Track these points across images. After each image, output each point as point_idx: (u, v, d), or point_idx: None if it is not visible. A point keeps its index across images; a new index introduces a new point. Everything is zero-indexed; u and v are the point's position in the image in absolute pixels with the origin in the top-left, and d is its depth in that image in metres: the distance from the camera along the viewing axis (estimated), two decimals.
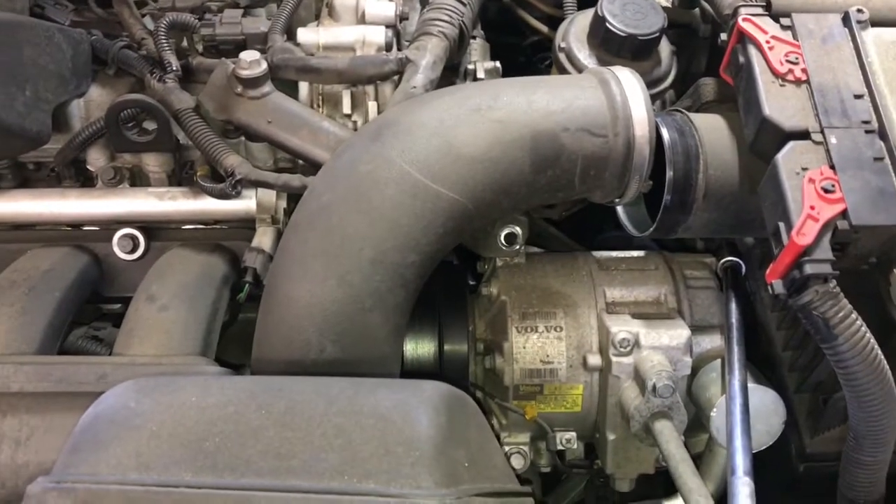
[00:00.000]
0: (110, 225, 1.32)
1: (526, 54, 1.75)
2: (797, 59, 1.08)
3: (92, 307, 1.41)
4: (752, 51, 1.10)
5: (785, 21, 1.12)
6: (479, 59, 1.44)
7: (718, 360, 1.21)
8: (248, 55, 1.25)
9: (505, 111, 1.09)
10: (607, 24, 1.26)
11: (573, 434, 1.27)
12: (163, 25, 1.34)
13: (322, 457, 0.76)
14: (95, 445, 0.78)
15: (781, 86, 1.06)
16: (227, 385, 0.88)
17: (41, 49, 1.25)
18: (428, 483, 0.75)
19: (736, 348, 1.13)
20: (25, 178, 1.37)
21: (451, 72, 1.39)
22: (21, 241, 1.33)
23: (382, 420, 0.80)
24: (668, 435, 1.10)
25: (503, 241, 1.27)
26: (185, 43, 1.41)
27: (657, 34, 1.27)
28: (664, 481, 1.34)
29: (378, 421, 0.80)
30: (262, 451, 0.77)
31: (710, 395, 1.18)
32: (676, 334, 1.19)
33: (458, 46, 1.36)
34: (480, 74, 1.38)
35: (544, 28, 1.61)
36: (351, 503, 0.72)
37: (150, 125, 1.31)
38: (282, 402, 0.82)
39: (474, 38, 1.46)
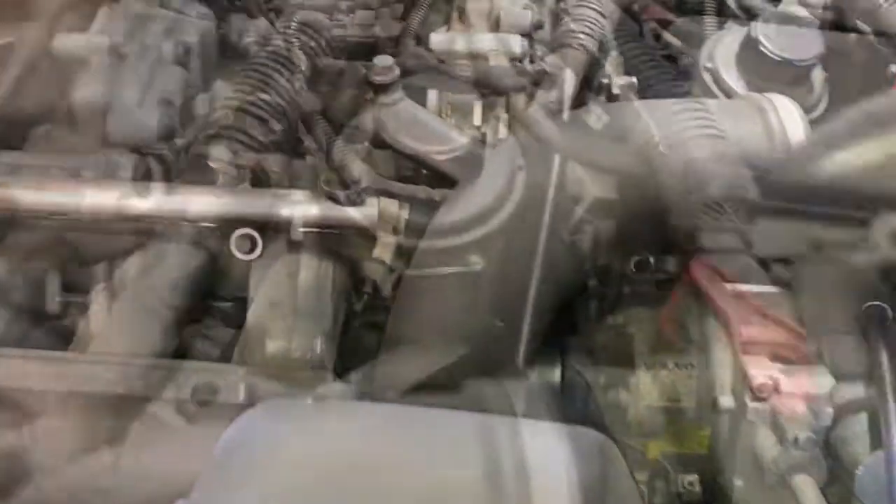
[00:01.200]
0: (228, 224, 1.30)
1: None
2: None
3: (202, 304, 1.40)
4: None
5: None
6: (613, 73, 1.38)
7: (863, 413, 1.13)
8: (382, 60, 1.21)
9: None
10: (761, 47, 1.19)
11: (696, 477, 1.21)
12: (293, 23, 1.31)
13: (473, 500, 0.72)
14: (233, 474, 0.75)
15: None
16: (369, 414, 0.84)
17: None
18: None
19: (891, 402, 1.05)
20: (147, 172, 1.36)
21: (585, 85, 1.34)
22: (139, 233, 1.31)
23: (537, 466, 0.75)
24: (811, 494, 1.02)
25: (633, 269, 1.22)
26: (312, 43, 1.38)
27: (814, 61, 1.20)
28: None
29: (532, 466, 0.75)
30: (408, 489, 0.73)
31: (854, 450, 1.10)
32: (819, 382, 1.11)
33: (596, 60, 1.30)
34: (615, 90, 1.32)
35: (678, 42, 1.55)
36: None
37: (276, 125, 1.28)
38: (430, 437, 0.78)
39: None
